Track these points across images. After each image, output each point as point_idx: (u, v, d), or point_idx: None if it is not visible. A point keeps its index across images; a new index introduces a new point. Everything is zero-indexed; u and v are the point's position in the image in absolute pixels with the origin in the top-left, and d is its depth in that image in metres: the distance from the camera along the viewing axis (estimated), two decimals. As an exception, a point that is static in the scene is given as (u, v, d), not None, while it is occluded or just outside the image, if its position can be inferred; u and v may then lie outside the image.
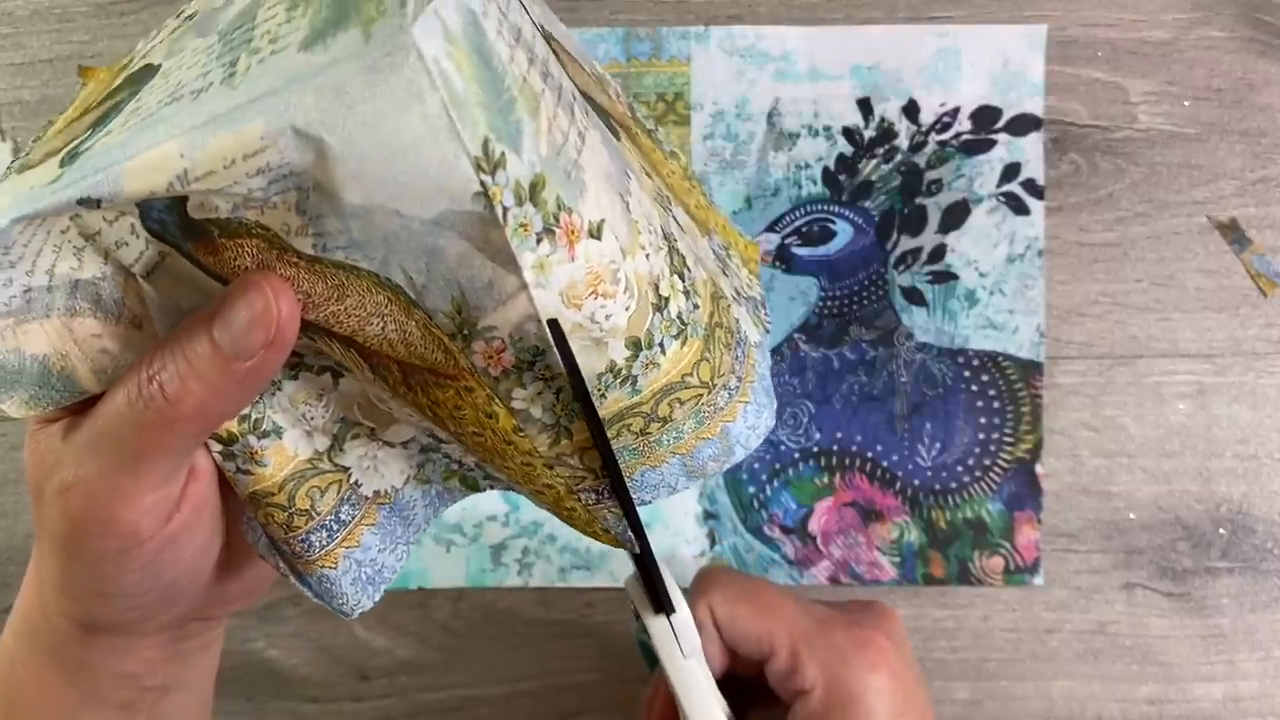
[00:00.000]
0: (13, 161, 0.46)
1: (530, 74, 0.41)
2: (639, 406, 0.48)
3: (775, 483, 0.75)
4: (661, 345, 0.47)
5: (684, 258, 0.49)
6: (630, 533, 0.51)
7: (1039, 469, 0.74)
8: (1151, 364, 0.74)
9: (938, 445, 0.74)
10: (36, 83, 0.74)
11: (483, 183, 0.38)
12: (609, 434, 0.47)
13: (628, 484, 0.49)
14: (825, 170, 0.74)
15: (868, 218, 0.74)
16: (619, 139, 0.50)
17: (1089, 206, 0.75)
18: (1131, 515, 0.75)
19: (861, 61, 0.74)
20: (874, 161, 0.74)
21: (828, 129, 0.74)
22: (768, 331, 0.55)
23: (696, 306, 0.48)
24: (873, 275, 0.74)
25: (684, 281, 0.48)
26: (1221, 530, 0.75)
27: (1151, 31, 0.75)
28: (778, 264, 0.74)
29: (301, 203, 0.39)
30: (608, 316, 0.44)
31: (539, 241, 0.40)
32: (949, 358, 0.74)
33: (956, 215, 0.74)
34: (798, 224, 0.74)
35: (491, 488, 0.55)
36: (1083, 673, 0.75)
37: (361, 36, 0.37)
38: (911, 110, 0.74)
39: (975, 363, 0.74)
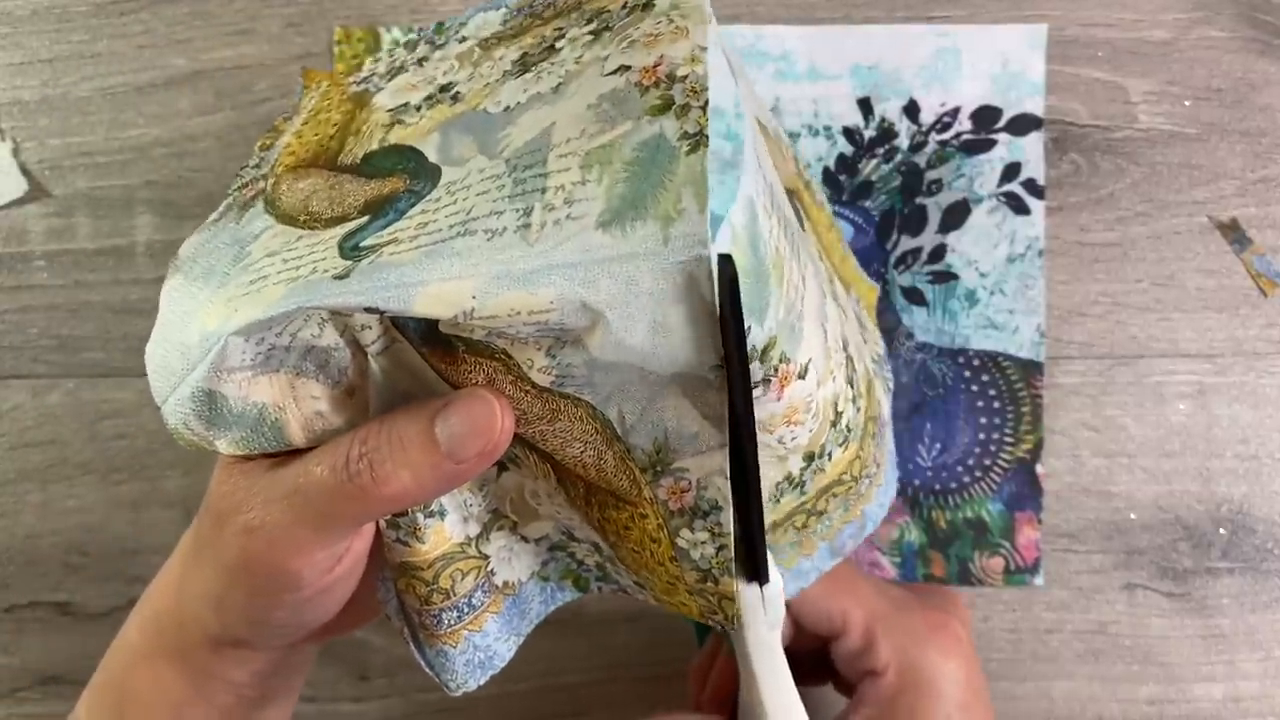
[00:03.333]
0: (235, 190, 0.52)
1: (780, 241, 0.47)
2: (804, 505, 0.54)
3: (775, 483, 0.75)
4: (830, 454, 0.53)
5: (853, 363, 0.55)
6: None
7: (1039, 469, 0.74)
8: (1152, 364, 0.74)
9: (938, 445, 0.74)
10: (36, 82, 0.74)
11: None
12: (777, 533, 0.55)
13: (783, 573, 0.55)
14: (825, 170, 0.74)
15: (868, 217, 0.74)
16: (802, 226, 0.56)
17: (1089, 206, 0.75)
18: (1132, 515, 0.75)
19: (861, 61, 0.74)
20: (874, 161, 0.74)
21: (828, 129, 0.74)
22: (890, 390, 0.62)
23: (859, 410, 0.55)
24: (873, 275, 0.74)
25: (853, 389, 0.54)
26: (1222, 530, 0.75)
27: (1152, 31, 0.75)
28: (778, 264, 0.75)
29: (553, 348, 0.43)
30: (794, 439, 0.50)
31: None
32: (949, 358, 0.74)
33: (957, 215, 0.74)
34: (798, 224, 0.74)
35: (600, 590, 0.59)
36: (1083, 673, 0.75)
37: (660, 235, 0.40)
38: (912, 110, 0.74)
39: (976, 363, 0.74)
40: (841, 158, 0.74)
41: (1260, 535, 0.75)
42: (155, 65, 0.74)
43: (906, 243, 0.74)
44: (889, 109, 0.74)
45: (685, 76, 0.44)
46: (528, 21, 0.54)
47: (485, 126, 0.48)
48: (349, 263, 0.44)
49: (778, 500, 0.53)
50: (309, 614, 0.50)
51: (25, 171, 0.74)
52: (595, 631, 0.75)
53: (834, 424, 0.52)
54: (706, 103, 0.43)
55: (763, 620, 0.57)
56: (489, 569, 0.55)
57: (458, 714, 0.76)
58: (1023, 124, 0.74)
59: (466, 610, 0.54)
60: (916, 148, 0.74)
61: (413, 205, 0.46)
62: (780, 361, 0.45)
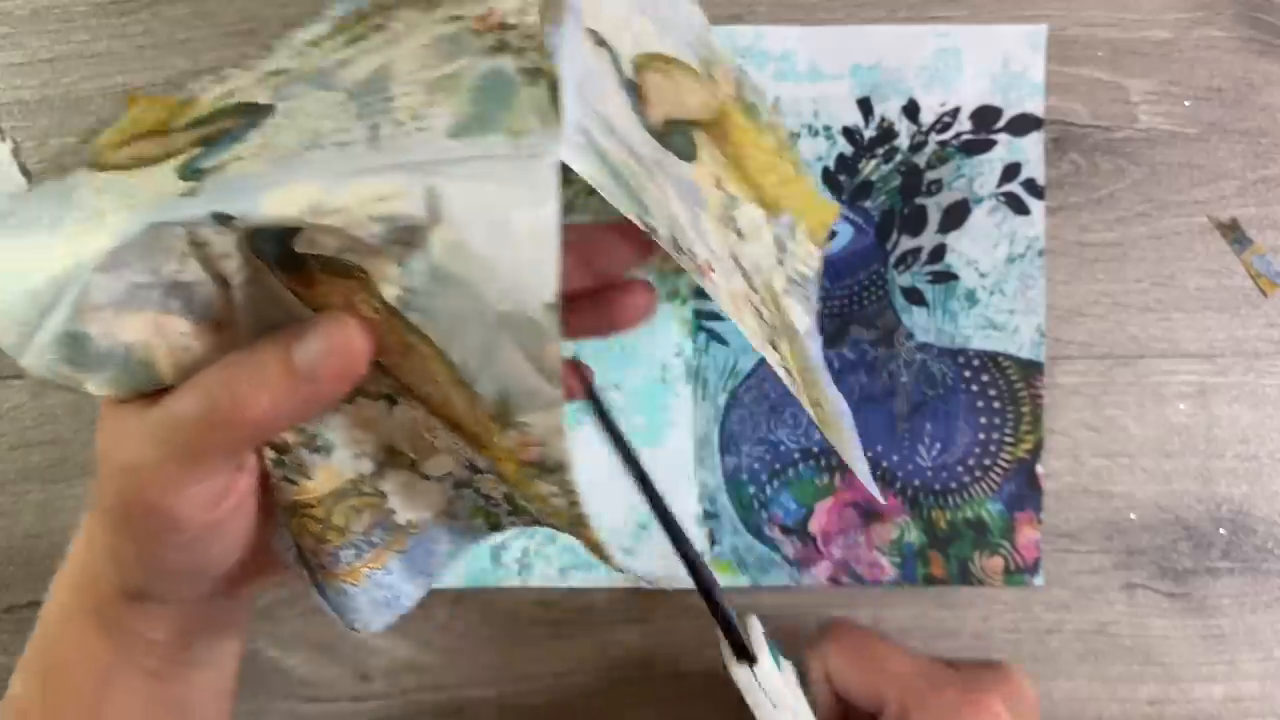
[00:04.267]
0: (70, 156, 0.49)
1: (630, 163, 0.49)
2: None
3: (775, 483, 0.75)
4: None
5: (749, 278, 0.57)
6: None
7: (1039, 469, 0.74)
8: (1152, 364, 0.74)
9: (938, 445, 0.75)
10: (36, 82, 0.74)
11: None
12: None
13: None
14: (825, 170, 0.74)
15: (868, 218, 0.74)
16: (694, 157, 0.57)
17: (1089, 206, 0.75)
18: (1132, 515, 0.75)
19: (862, 61, 0.74)
20: (874, 161, 0.74)
21: (828, 129, 0.74)
22: (813, 309, 0.64)
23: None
24: (873, 275, 0.74)
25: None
26: (1222, 530, 0.75)
27: (1152, 31, 0.75)
28: (778, 264, 0.75)
29: (402, 257, 0.42)
30: None
31: None
32: (949, 358, 0.74)
33: (957, 215, 0.74)
34: (798, 224, 0.74)
35: (514, 524, 0.56)
36: (1083, 673, 0.75)
37: (510, 139, 0.42)
38: (912, 110, 0.74)
39: (975, 363, 0.74)
40: (841, 158, 0.74)
41: (1260, 535, 0.75)
42: (156, 66, 0.75)
43: (906, 243, 0.74)
44: (889, 109, 0.74)
45: (515, 25, 0.47)
46: (354, 19, 0.54)
47: (320, 76, 0.49)
48: (193, 183, 0.44)
49: None
50: (201, 557, 0.49)
51: (25, 171, 0.74)
52: (599, 631, 0.75)
53: None
54: (540, 45, 0.46)
55: (765, 700, 0.58)
56: (387, 506, 0.54)
57: (459, 714, 0.76)
58: (1023, 124, 0.74)
59: (366, 547, 0.54)
60: (916, 148, 0.74)
61: (250, 130, 0.47)
62: None
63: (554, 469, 0.46)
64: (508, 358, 0.43)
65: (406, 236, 0.41)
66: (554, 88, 0.44)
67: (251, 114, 0.48)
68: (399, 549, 0.55)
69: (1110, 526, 0.75)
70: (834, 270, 0.74)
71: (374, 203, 0.41)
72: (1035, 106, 0.74)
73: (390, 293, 0.43)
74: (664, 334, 0.74)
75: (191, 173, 0.45)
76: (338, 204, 0.41)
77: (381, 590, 0.55)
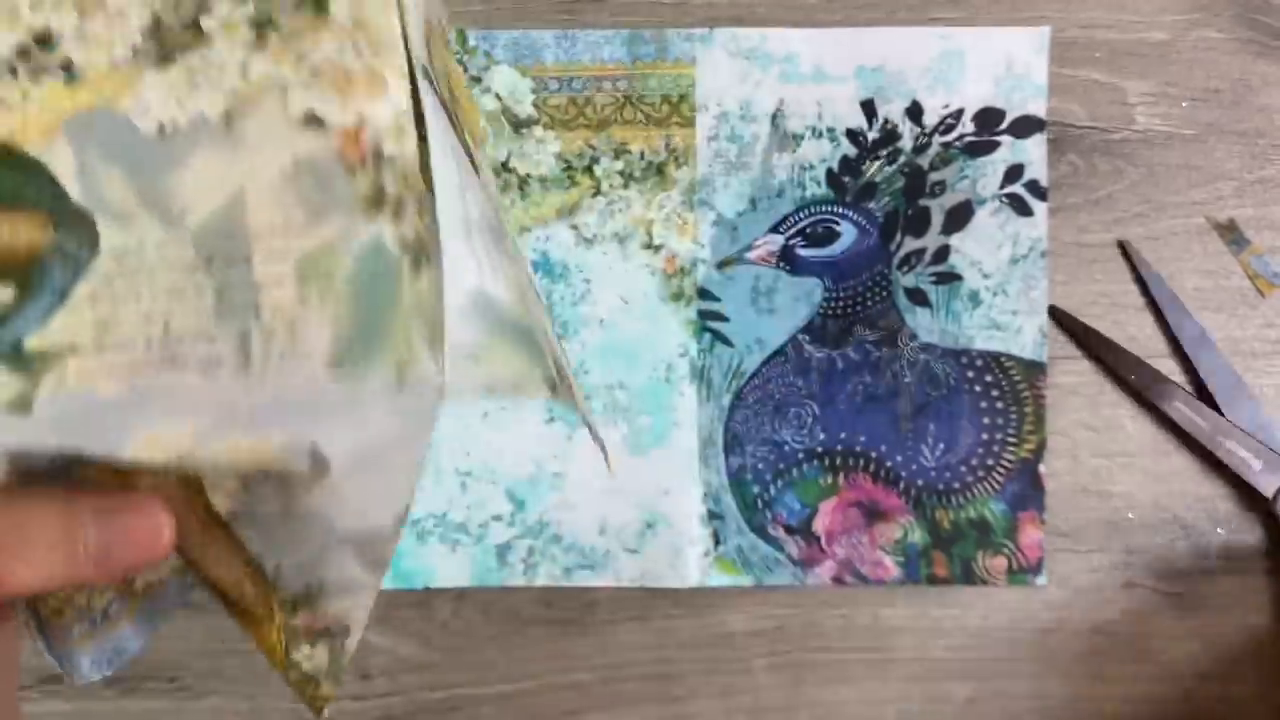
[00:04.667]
0: None
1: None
2: None
3: (779, 483, 0.75)
4: None
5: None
6: None
7: (1042, 469, 0.75)
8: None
9: (941, 445, 0.75)
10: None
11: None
12: None
13: None
14: (829, 172, 0.75)
15: (871, 219, 0.75)
16: (471, 153, 0.48)
17: (1087, 207, 0.75)
18: (1131, 515, 0.75)
19: (865, 63, 0.74)
20: (878, 163, 0.75)
21: (831, 130, 0.74)
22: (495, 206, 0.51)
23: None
24: (877, 276, 0.75)
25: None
26: (1220, 530, 0.75)
27: (1150, 33, 0.75)
28: (782, 265, 0.75)
29: (253, 481, 0.39)
30: None
31: None
32: (953, 358, 0.75)
33: (960, 217, 0.75)
34: (802, 225, 0.75)
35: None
36: (1082, 672, 0.76)
37: (394, 379, 0.38)
38: (915, 112, 0.75)
39: (979, 363, 0.74)
40: (845, 159, 0.75)
41: (1257, 534, 0.75)
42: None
43: (910, 244, 0.75)
44: (892, 111, 0.75)
45: (393, 158, 0.39)
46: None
47: (138, 153, 0.40)
48: (21, 379, 0.37)
49: None
50: None
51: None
52: (601, 630, 0.75)
53: None
54: (422, 197, 0.39)
55: None
56: (130, 579, 0.48)
57: (460, 713, 0.76)
58: (1025, 126, 0.75)
59: (100, 621, 0.48)
60: (920, 149, 0.75)
61: (74, 281, 0.38)
62: None
63: (336, 635, 0.44)
64: (339, 562, 0.41)
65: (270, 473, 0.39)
66: (437, 284, 0.39)
67: (63, 225, 0.38)
68: (129, 619, 0.50)
69: (1109, 526, 0.75)
70: (838, 271, 0.75)
71: (251, 456, 0.37)
72: (1038, 108, 0.75)
73: (223, 505, 0.40)
74: (668, 334, 0.75)
75: (13, 352, 0.37)
76: (211, 456, 0.37)
77: (107, 652, 0.49)
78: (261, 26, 0.40)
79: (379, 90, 0.39)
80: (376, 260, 0.38)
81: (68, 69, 0.40)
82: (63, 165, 0.39)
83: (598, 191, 0.74)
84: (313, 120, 0.39)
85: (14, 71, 0.39)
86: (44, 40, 0.40)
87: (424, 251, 0.39)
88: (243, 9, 0.40)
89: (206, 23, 0.40)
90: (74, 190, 0.39)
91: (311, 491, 0.39)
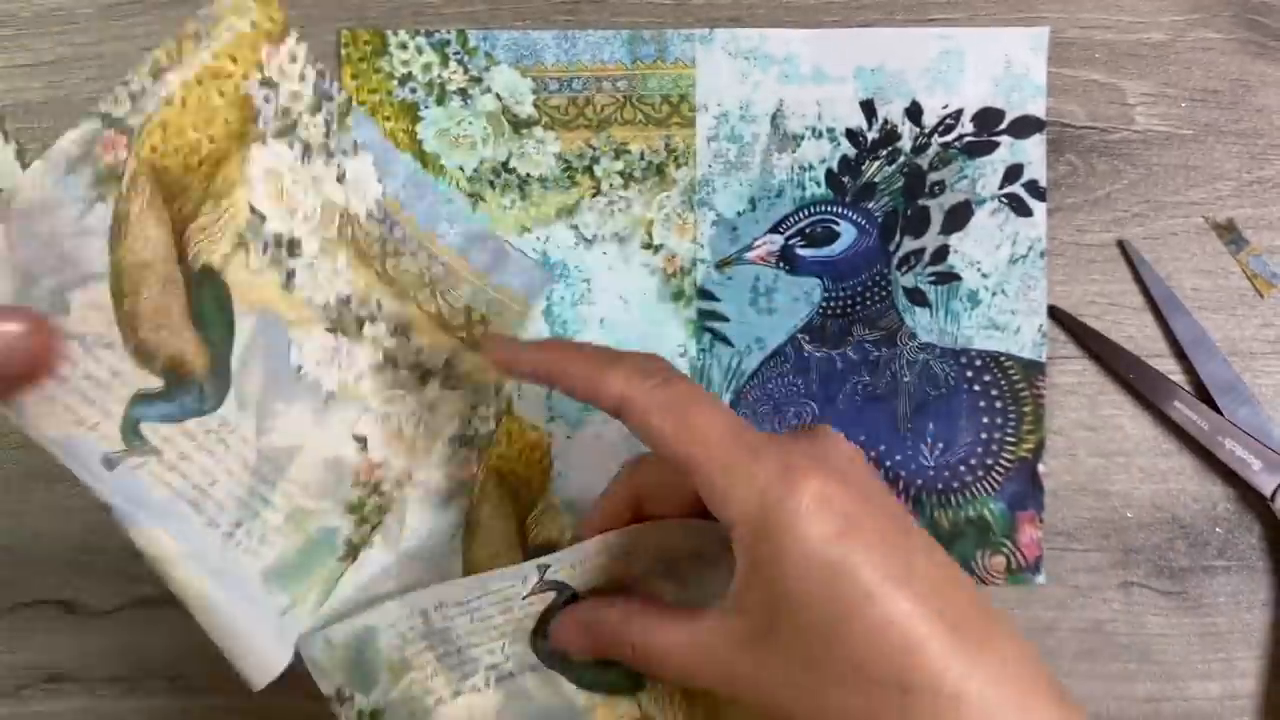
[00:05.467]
0: (101, 122, 0.51)
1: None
2: None
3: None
4: None
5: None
6: None
7: (1041, 468, 0.75)
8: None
9: (940, 445, 0.75)
10: (39, 84, 0.74)
11: None
12: None
13: None
14: (829, 172, 0.75)
15: (871, 219, 0.75)
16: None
17: (1086, 207, 0.75)
18: (1129, 514, 0.75)
19: (865, 64, 0.75)
20: (877, 163, 0.75)
21: (831, 131, 0.75)
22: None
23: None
24: (876, 276, 0.75)
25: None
26: (1218, 529, 0.75)
27: (1149, 33, 0.76)
28: (782, 265, 0.75)
29: None
30: None
31: None
32: (952, 358, 0.75)
33: (959, 217, 0.75)
34: (801, 225, 0.75)
35: None
36: (1080, 671, 0.76)
37: (289, 606, 0.61)
38: (914, 112, 0.75)
39: (978, 363, 0.75)
40: (845, 159, 0.75)
41: (1256, 534, 0.75)
42: (159, 66, 0.75)
43: (909, 244, 0.75)
44: (892, 111, 0.75)
45: (385, 492, 0.64)
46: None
47: (283, 376, 0.60)
48: (125, 443, 0.54)
49: None
50: None
51: (29, 172, 0.74)
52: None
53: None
54: (387, 528, 0.64)
55: None
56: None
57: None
58: (1025, 126, 0.75)
59: None
60: (919, 150, 0.75)
61: (190, 414, 0.56)
62: None
63: None
64: None
65: None
66: (337, 579, 0.62)
67: (213, 374, 0.57)
68: None
69: (1107, 525, 0.75)
70: (837, 271, 0.75)
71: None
72: (1037, 109, 0.75)
73: None
74: (668, 334, 0.75)
75: (132, 423, 0.54)
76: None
77: None
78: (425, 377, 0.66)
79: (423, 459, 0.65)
80: (327, 540, 0.62)
81: (289, 276, 0.59)
82: (243, 337, 0.57)
83: (598, 191, 0.74)
84: (360, 440, 0.63)
85: (265, 249, 0.58)
86: (291, 245, 0.60)
87: (356, 551, 0.63)
88: (483, 411, 0.69)
89: (427, 392, 0.66)
90: (235, 358, 0.57)
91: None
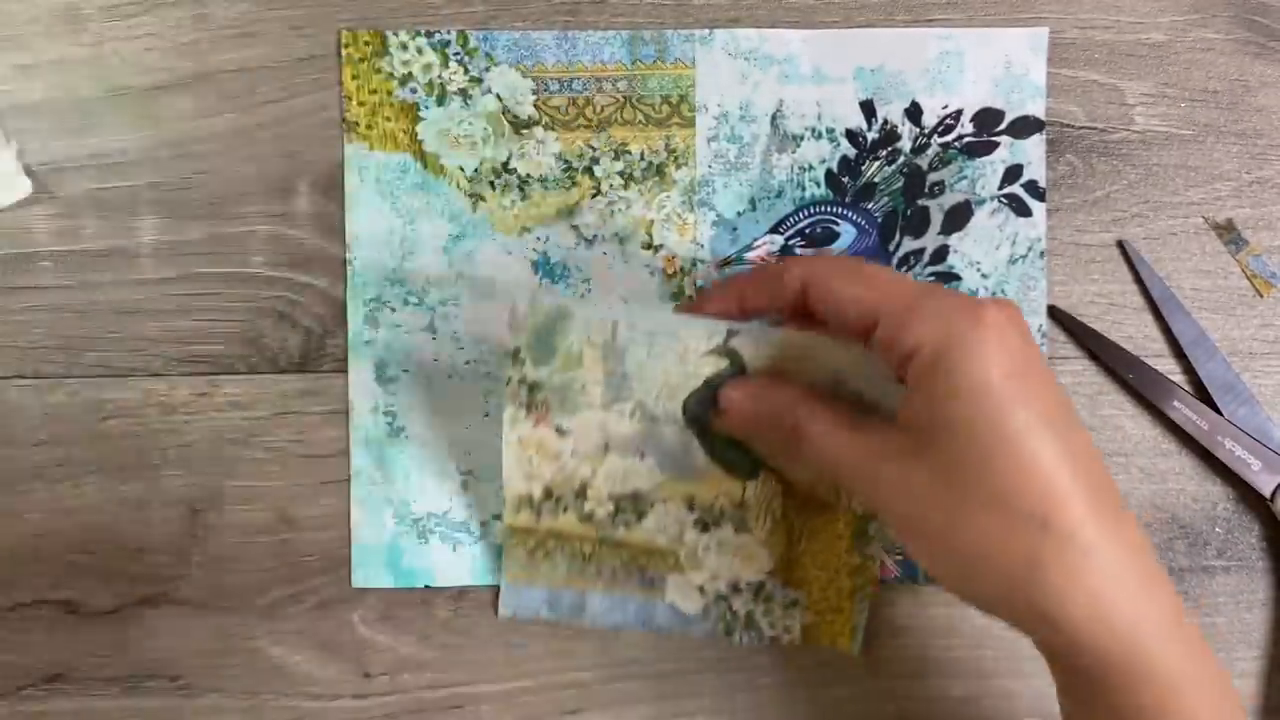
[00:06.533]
0: None
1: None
2: None
3: (780, 482, 0.75)
4: None
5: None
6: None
7: (1040, 468, 0.75)
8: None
9: (940, 445, 0.75)
10: (40, 85, 0.74)
11: None
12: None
13: None
14: (828, 172, 0.75)
15: (871, 219, 0.75)
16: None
17: (1085, 208, 0.75)
18: (1128, 514, 0.76)
19: (865, 64, 0.75)
20: (877, 163, 0.75)
21: (831, 131, 0.75)
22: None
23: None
24: (876, 276, 0.75)
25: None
26: (1218, 529, 0.75)
27: (1148, 34, 0.76)
28: (782, 265, 0.75)
29: None
30: None
31: None
32: (951, 358, 0.75)
33: (959, 217, 0.75)
34: (801, 226, 0.75)
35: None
36: (1080, 670, 0.76)
37: None
38: (914, 113, 0.75)
39: (978, 363, 0.75)
40: (844, 160, 0.75)
41: (1255, 534, 0.75)
42: (159, 68, 0.75)
43: (909, 244, 0.75)
44: (891, 111, 0.75)
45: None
46: None
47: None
48: None
49: None
50: None
51: (30, 173, 0.74)
52: (601, 631, 0.75)
53: None
54: None
55: None
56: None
57: (460, 711, 0.76)
58: (1024, 126, 0.75)
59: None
60: (919, 150, 0.75)
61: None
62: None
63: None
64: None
65: None
66: None
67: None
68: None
69: (1107, 525, 0.76)
70: (837, 272, 0.75)
71: None
72: (1037, 109, 0.75)
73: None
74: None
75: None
76: None
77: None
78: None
79: None
80: None
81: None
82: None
83: (598, 191, 0.75)
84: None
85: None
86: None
87: None
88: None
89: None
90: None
91: None
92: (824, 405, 0.62)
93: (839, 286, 0.60)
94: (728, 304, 0.67)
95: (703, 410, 0.67)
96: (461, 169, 0.74)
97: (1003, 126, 0.75)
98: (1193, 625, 0.55)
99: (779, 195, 0.75)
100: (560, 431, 0.69)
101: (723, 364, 0.66)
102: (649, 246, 0.75)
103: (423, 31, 0.74)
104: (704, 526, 0.71)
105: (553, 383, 0.68)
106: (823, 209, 0.75)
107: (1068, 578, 0.53)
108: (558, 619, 0.75)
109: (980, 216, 0.75)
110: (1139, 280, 0.75)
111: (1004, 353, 0.54)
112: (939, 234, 0.75)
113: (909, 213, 0.75)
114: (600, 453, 0.70)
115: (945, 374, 0.54)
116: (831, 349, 0.64)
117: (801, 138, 0.75)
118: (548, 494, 0.71)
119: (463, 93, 0.74)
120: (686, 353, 0.66)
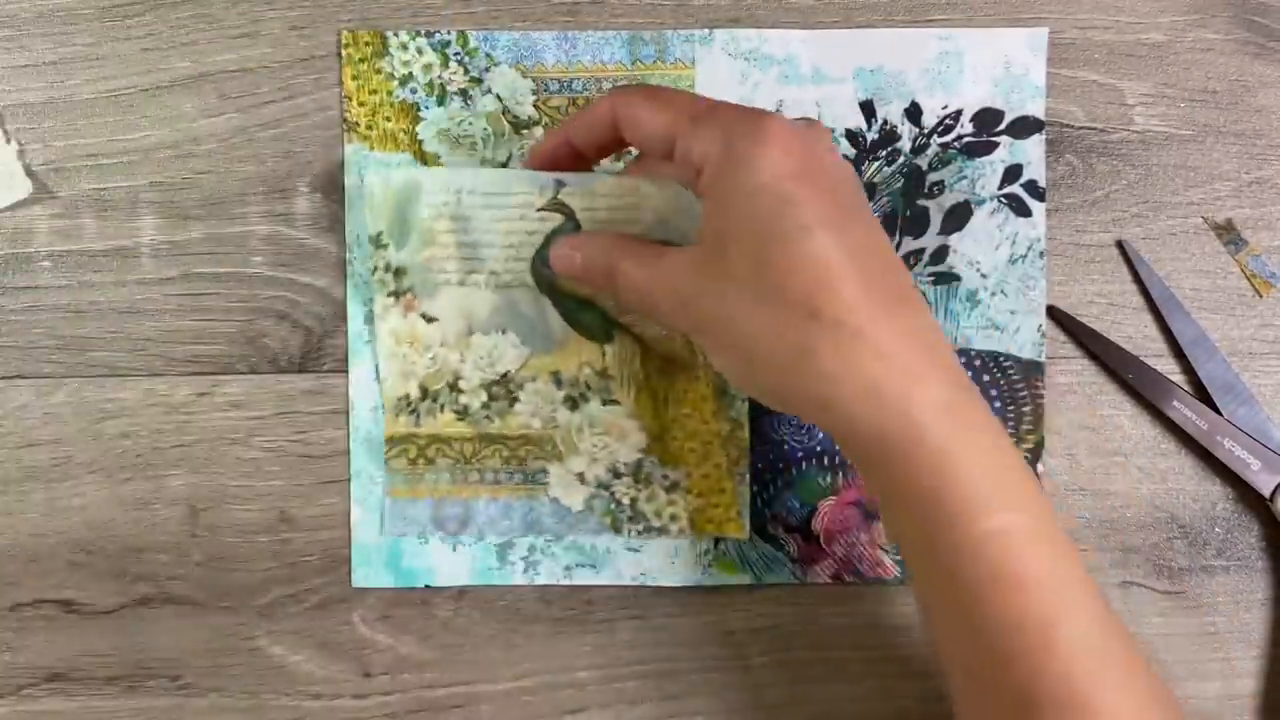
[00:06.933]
0: None
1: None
2: None
3: (779, 482, 0.75)
4: None
5: None
6: None
7: (1040, 468, 0.75)
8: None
9: (940, 445, 0.75)
10: (41, 85, 0.74)
11: None
12: None
13: None
14: (829, 172, 0.75)
15: (870, 219, 0.75)
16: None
17: (1085, 208, 0.75)
18: (1127, 514, 0.75)
19: (864, 64, 0.75)
20: (876, 164, 0.75)
21: (831, 131, 0.74)
22: None
23: None
24: (876, 276, 0.75)
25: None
26: (1217, 529, 0.75)
27: (1147, 34, 0.76)
28: (782, 265, 0.75)
29: None
30: None
31: None
32: (951, 358, 0.75)
33: (958, 217, 0.75)
34: (801, 225, 0.75)
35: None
36: (1080, 670, 0.76)
37: None
38: (914, 113, 0.75)
39: (977, 363, 0.75)
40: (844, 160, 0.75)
41: (1254, 533, 0.75)
42: (159, 68, 0.75)
43: (909, 244, 0.75)
44: (891, 112, 0.75)
45: None
46: None
47: None
48: None
49: None
50: None
51: (30, 173, 0.74)
52: (600, 629, 0.75)
53: None
54: None
55: None
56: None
57: (460, 711, 0.76)
58: (1024, 126, 0.75)
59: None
60: (918, 150, 0.75)
61: None
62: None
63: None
64: None
65: None
66: None
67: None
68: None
69: (1106, 525, 0.75)
70: (837, 271, 0.75)
71: None
72: (1036, 109, 0.75)
73: None
74: (669, 334, 0.75)
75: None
76: None
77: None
78: None
79: None
80: None
81: None
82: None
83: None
84: None
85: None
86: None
87: None
88: None
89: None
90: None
91: None
92: (637, 243, 0.65)
93: (640, 111, 0.62)
94: (557, 145, 0.68)
95: (547, 269, 0.70)
96: (461, 169, 0.75)
97: (1002, 126, 0.75)
98: (981, 408, 0.58)
99: (779, 195, 0.75)
100: (427, 319, 0.73)
101: (558, 220, 0.69)
102: (648, 246, 0.75)
103: (423, 32, 0.74)
104: (573, 404, 0.74)
105: (415, 264, 0.72)
106: (823, 209, 0.75)
107: (838, 362, 0.55)
108: (443, 534, 0.76)
109: (980, 216, 0.75)
110: (1138, 280, 0.75)
111: (784, 156, 0.56)
112: (939, 234, 0.75)
113: (909, 213, 0.75)
114: (465, 336, 0.73)
115: (727, 181, 0.58)
116: (650, 190, 0.67)
117: (800, 138, 0.75)
118: (424, 392, 0.74)
119: (463, 93, 0.74)
120: (524, 210, 0.70)
